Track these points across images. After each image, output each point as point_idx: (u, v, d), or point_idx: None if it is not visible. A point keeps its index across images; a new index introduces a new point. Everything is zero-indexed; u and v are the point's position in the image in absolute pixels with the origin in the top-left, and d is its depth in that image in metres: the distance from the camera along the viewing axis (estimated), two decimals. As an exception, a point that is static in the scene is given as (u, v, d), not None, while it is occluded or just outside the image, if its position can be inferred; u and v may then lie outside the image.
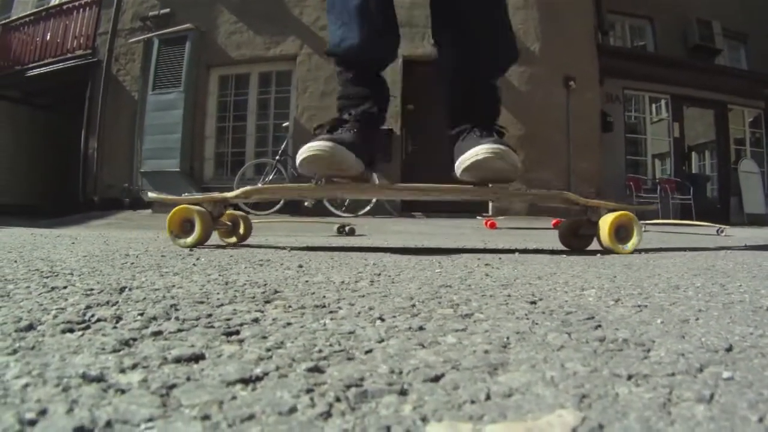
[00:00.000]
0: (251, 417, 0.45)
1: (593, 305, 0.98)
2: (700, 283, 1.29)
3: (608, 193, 10.96)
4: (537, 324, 0.81)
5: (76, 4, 14.57)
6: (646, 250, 2.44)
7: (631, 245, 2.27)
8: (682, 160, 15.03)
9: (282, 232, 5.47)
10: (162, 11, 13.13)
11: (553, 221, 6.96)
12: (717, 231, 6.47)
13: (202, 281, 1.21)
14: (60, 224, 8.06)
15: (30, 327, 0.74)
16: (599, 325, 0.81)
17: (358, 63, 2.47)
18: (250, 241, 2.81)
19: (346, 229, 5.82)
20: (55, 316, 0.81)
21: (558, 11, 11.25)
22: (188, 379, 0.54)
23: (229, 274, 1.37)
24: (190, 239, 2.29)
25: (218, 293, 1.03)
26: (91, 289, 1.06)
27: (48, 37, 14.89)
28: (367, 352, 0.64)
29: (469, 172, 2.26)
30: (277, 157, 10.46)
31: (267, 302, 0.95)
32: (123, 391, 0.50)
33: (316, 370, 0.57)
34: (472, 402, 0.49)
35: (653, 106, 15.24)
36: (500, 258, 1.97)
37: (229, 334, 0.72)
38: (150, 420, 0.44)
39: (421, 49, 11.48)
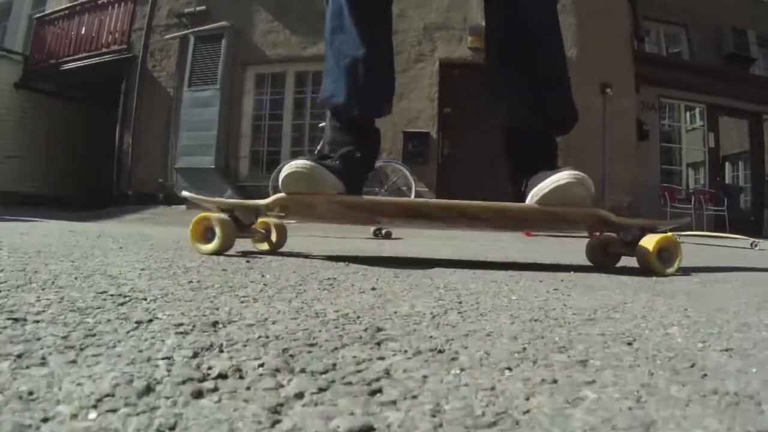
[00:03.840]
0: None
1: (686, 348, 1.00)
2: (767, 321, 1.31)
3: (642, 202, 10.93)
4: (653, 374, 0.83)
5: (111, -1, 14.71)
6: (694, 269, 2.45)
7: (673, 268, 2.28)
8: (717, 171, 14.92)
9: (318, 232, 5.50)
10: (198, 8, 13.26)
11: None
12: (751, 244, 6.43)
13: (290, 311, 1.21)
14: (94, 218, 8.13)
15: (149, 389, 0.69)
16: (705, 375, 0.83)
17: (347, 118, 2.59)
18: (297, 245, 2.84)
19: (383, 232, 5.84)
20: (168, 370, 0.77)
21: (595, 17, 11.22)
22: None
23: (309, 299, 1.37)
24: (210, 247, 2.33)
25: (319, 330, 1.04)
26: (181, 324, 1.04)
27: (83, 32, 15.01)
28: (525, 413, 0.66)
29: (548, 197, 2.30)
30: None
31: (378, 344, 0.96)
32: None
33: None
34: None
35: (688, 114, 15.15)
36: (562, 280, 1.99)
37: (374, 393, 0.72)
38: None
39: (457, 51, 11.53)
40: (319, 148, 2.40)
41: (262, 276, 1.76)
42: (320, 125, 11.48)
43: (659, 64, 13.88)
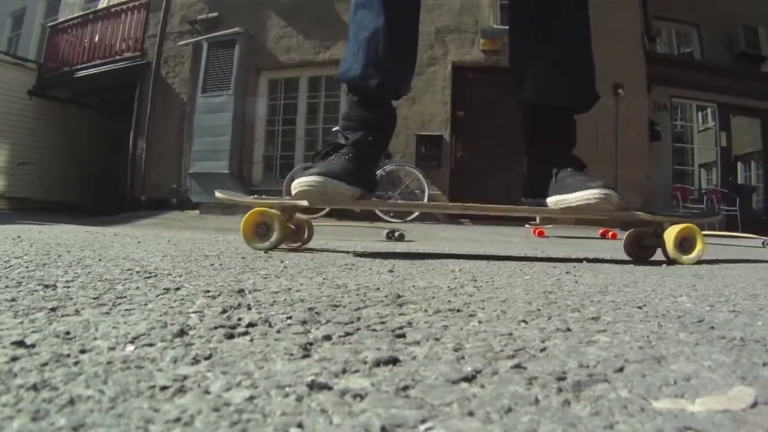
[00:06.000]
0: (509, 410, 0.49)
1: (694, 310, 1.05)
2: (775, 292, 1.35)
3: (655, 203, 10.91)
4: (661, 326, 0.88)
5: (124, 7, 14.80)
6: (707, 261, 2.48)
7: (694, 256, 2.31)
8: (729, 170, 14.88)
9: (332, 236, 5.51)
10: (210, 15, 13.27)
11: (600, 230, 6.99)
12: (763, 243, 6.41)
13: (312, 284, 1.25)
14: (109, 223, 8.16)
15: (183, 332, 0.73)
16: (713, 327, 0.88)
17: (363, 91, 2.53)
18: (312, 244, 2.87)
19: (396, 234, 5.81)
20: (201, 320, 0.81)
21: (606, 17, 11.18)
22: (413, 380, 0.56)
23: (330, 277, 1.41)
24: (267, 243, 2.29)
25: (342, 296, 1.07)
26: (208, 291, 1.08)
27: (96, 39, 15.07)
28: (542, 350, 0.70)
29: (574, 210, 2.32)
30: (327, 162, 10.49)
31: (400, 305, 1.00)
32: (362, 397, 0.51)
33: (519, 366, 0.62)
34: (666, 385, 0.56)
35: (700, 114, 15.12)
36: (574, 266, 2.02)
37: (399, 336, 0.76)
38: (424, 421, 0.46)
39: (470, 54, 11.53)
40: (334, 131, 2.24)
41: (281, 261, 1.80)
42: (333, 129, 11.44)
43: (671, 64, 13.84)
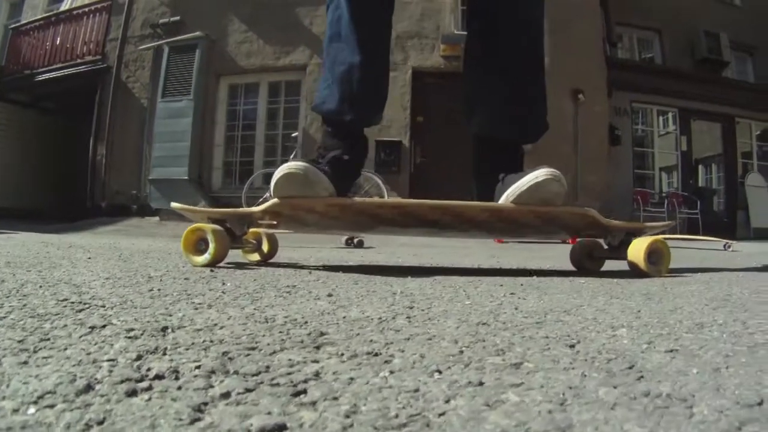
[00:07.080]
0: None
1: (629, 349, 1.01)
2: (722, 320, 1.31)
3: (615, 207, 10.99)
4: (585, 376, 0.83)
5: (86, 10, 14.73)
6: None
7: (663, 269, 2.31)
8: (690, 174, 15.06)
9: (292, 244, 5.48)
10: (172, 19, 13.27)
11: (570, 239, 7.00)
12: (724, 246, 6.49)
13: (241, 317, 1.21)
14: (68, 230, 8.08)
15: (88, 387, 0.71)
16: (641, 376, 0.83)
17: (337, 124, 2.59)
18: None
19: (354, 241, 5.83)
20: (110, 371, 0.79)
21: (567, 23, 11.29)
22: (289, 457, 0.52)
23: (263, 306, 1.38)
24: (202, 258, 2.26)
25: (263, 335, 1.04)
26: (132, 329, 1.05)
27: (58, 42, 14.97)
28: (440, 415, 0.66)
29: (525, 196, 2.33)
30: (287, 168, 10.52)
31: (317, 348, 0.96)
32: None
33: (407, 441, 0.58)
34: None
35: (660, 119, 15.29)
36: (521, 284, 2.00)
37: (297, 394, 0.72)
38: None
39: (430, 60, 11.58)
40: (293, 155, 2.31)
41: (223, 284, 1.76)
42: (293, 135, 11.53)
43: (632, 69, 14.03)
